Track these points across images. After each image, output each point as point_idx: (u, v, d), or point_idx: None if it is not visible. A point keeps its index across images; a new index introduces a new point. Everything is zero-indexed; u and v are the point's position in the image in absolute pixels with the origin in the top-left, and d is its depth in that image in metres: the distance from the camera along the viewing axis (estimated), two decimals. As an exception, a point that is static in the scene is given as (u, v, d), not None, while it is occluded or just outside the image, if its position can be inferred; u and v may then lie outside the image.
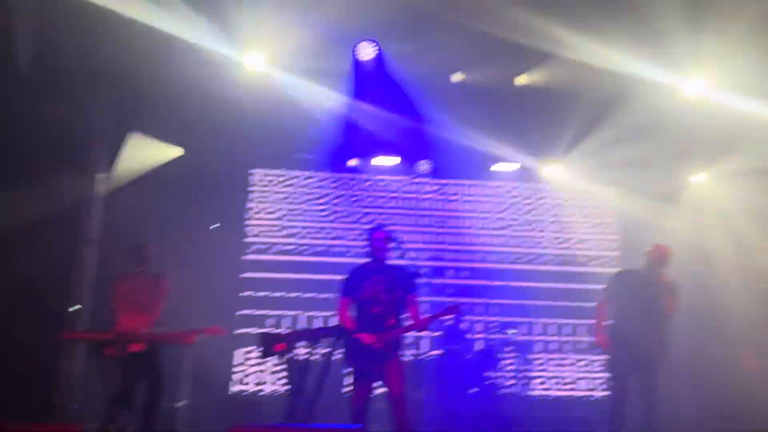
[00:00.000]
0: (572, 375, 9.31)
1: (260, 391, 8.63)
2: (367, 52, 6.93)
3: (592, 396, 9.03)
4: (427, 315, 4.88)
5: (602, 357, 5.55)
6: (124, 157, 7.89)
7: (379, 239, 4.93)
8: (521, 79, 7.97)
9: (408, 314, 4.93)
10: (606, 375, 5.58)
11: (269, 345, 4.20)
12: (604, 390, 5.96)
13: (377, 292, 4.83)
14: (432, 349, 8.50)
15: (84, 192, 7.29)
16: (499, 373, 8.12)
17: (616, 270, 5.93)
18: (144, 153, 8.18)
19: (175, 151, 8.65)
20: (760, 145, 7.61)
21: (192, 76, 6.96)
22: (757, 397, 6.83)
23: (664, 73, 7.11)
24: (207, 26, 6.33)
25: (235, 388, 8.60)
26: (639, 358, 5.21)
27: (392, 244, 4.89)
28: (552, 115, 8.31)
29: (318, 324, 8.69)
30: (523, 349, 8.22)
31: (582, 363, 9.34)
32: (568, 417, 7.46)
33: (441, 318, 4.94)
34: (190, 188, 8.53)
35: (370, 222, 9.27)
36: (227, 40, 6.55)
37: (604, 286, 5.64)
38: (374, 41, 6.88)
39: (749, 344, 7.14)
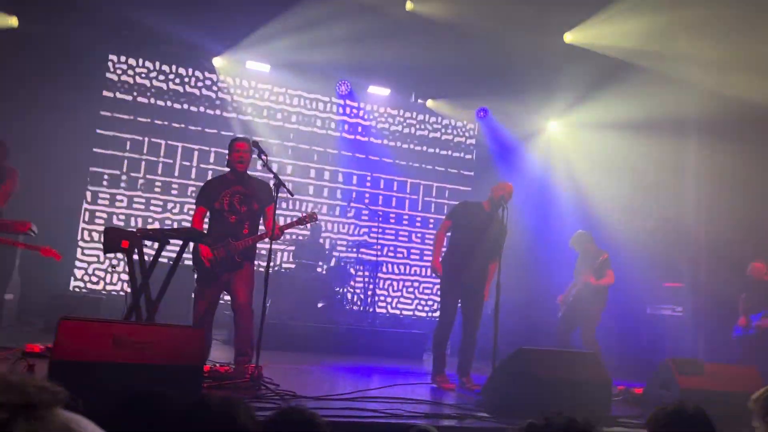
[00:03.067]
0: (413, 295, 9.91)
1: (102, 289, 8.32)
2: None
3: (428, 315, 9.71)
4: (279, 225, 4.83)
5: (438, 280, 5.87)
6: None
7: (239, 150, 4.81)
8: (410, 6, 7.97)
9: (263, 226, 4.92)
10: (439, 297, 5.97)
11: (114, 240, 4.01)
12: (436, 310, 6.46)
13: (234, 202, 4.79)
14: (286, 261, 8.60)
15: None
16: (348, 289, 8.43)
17: (460, 202, 6.20)
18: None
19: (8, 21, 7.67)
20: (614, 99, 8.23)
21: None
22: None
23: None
24: None
25: (75, 284, 8.21)
26: (468, 284, 5.61)
27: (254, 155, 4.79)
28: (427, 47, 8.41)
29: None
30: (375, 268, 8.56)
31: (421, 284, 9.96)
32: (404, 333, 7.94)
33: (296, 226, 4.97)
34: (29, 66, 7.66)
35: (229, 127, 9.00)
36: None
37: (446, 214, 5.94)
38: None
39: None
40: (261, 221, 4.94)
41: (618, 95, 8.18)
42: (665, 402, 4.66)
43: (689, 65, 7.48)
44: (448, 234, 5.85)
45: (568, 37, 8.32)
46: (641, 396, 5.24)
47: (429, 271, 9.83)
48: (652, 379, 5.16)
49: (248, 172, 4.95)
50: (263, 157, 4.68)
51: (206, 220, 4.88)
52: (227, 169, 4.92)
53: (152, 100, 8.82)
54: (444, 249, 5.85)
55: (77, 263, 8.33)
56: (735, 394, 4.60)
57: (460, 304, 5.68)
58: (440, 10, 8.02)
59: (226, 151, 4.92)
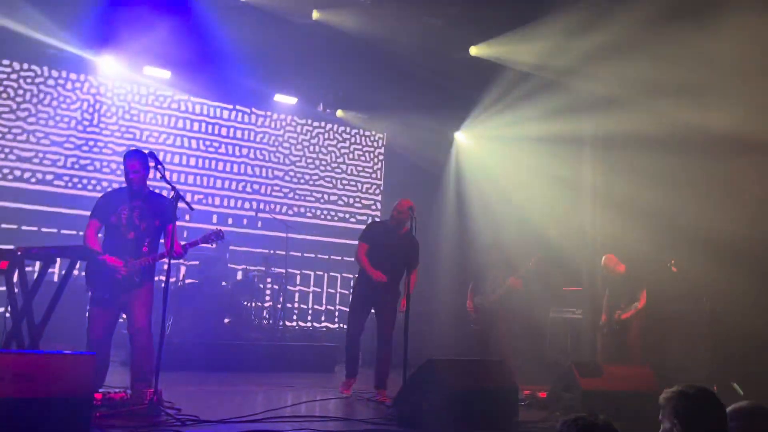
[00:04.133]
0: (323, 307, 9.78)
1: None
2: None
3: (340, 328, 9.61)
4: (185, 242, 4.66)
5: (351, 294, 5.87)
6: None
7: (135, 164, 4.53)
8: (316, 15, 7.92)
9: (164, 243, 4.65)
10: (348, 310, 6.04)
11: (-11, 261, 3.65)
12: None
13: (133, 217, 4.50)
14: (188, 277, 8.23)
15: None
16: (256, 303, 8.19)
17: (370, 222, 6.31)
18: None
19: None
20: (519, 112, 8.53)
21: None
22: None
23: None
24: None
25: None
26: (380, 299, 5.68)
27: (151, 167, 4.53)
28: (334, 57, 8.40)
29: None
30: (284, 280, 8.37)
31: (331, 296, 9.86)
32: (315, 346, 7.82)
33: (200, 245, 4.76)
34: None
35: (127, 139, 8.56)
36: None
37: (360, 237, 6.00)
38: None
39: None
40: (161, 238, 4.68)
41: (522, 108, 8.50)
42: (568, 407, 4.85)
43: (588, 82, 7.88)
44: None
45: (474, 51, 8.53)
46: (545, 399, 5.39)
47: (339, 283, 9.78)
48: (555, 382, 5.32)
49: (149, 187, 4.66)
50: (160, 168, 4.44)
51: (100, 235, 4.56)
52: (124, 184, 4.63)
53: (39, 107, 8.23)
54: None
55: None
56: (633, 393, 4.85)
57: (375, 317, 5.79)
58: (347, 21, 8.00)
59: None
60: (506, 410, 4.61)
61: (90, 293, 4.43)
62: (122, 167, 4.65)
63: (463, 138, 10.30)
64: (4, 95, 8.04)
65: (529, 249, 7.57)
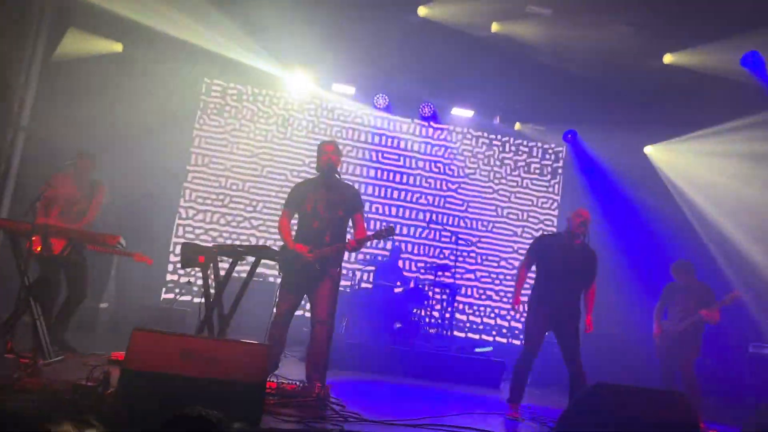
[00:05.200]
0: (495, 321, 9.64)
1: (190, 301, 8.66)
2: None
3: (509, 342, 9.41)
4: (365, 236, 4.71)
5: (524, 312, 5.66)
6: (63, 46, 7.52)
7: (327, 152, 4.76)
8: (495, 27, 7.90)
9: (349, 233, 4.83)
10: (524, 327, 5.77)
11: (191, 255, 4.16)
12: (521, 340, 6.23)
13: (318, 207, 4.71)
14: (363, 281, 8.62)
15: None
16: (425, 311, 8.33)
17: (539, 235, 6.06)
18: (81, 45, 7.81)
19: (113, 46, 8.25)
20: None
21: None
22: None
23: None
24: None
25: (167, 296, 8.60)
26: (556, 316, 5.39)
27: (340, 160, 4.81)
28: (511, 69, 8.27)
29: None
30: (453, 291, 8.42)
31: (504, 312, 9.67)
32: (481, 360, 7.73)
33: (377, 238, 4.82)
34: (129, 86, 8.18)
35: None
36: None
37: (527, 250, 5.79)
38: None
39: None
40: (344, 229, 4.82)
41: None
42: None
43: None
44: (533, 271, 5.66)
45: (668, 59, 7.90)
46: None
47: (509, 296, 9.58)
48: (748, 423, 4.73)
49: (337, 177, 4.82)
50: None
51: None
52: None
53: (243, 122, 9.21)
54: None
55: (168, 276, 8.73)
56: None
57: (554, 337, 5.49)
58: (527, 31, 7.86)
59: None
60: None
61: (280, 277, 4.74)
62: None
63: (656, 152, 9.58)
64: (215, 110, 9.13)
65: (731, 278, 6.83)
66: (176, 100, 8.49)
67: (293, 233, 4.80)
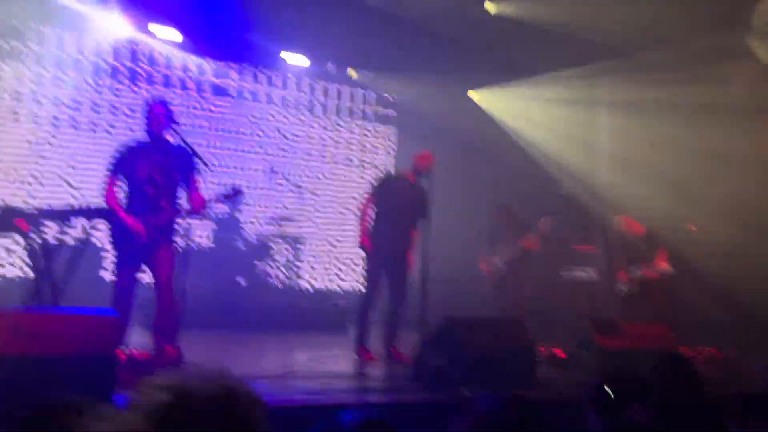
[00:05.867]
0: (334, 267, 9.76)
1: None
2: None
3: (351, 288, 9.62)
4: (204, 198, 4.52)
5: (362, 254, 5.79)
6: None
7: (158, 115, 4.41)
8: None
9: (185, 197, 4.56)
10: (363, 269, 5.92)
11: (7, 219, 3.62)
12: (361, 282, 6.44)
13: (153, 172, 4.38)
14: (203, 237, 8.22)
15: None
16: (269, 263, 8.19)
17: (381, 175, 6.20)
18: None
19: None
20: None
21: None
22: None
23: None
24: None
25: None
26: (390, 254, 5.59)
27: (172, 122, 4.44)
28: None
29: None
30: (295, 241, 8.37)
31: (344, 256, 9.83)
32: (326, 307, 7.85)
33: (218, 202, 4.69)
34: None
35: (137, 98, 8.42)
36: None
37: (368, 189, 5.91)
38: None
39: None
40: (180, 194, 4.56)
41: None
42: (585, 365, 4.86)
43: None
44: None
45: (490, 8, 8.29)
46: (563, 358, 5.40)
47: (354, 242, 9.75)
48: (572, 341, 5.33)
49: (167, 138, 4.51)
50: (173, 125, 4.36)
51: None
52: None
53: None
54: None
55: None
56: (651, 351, 4.84)
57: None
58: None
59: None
60: (524, 368, 4.62)
61: (114, 251, 4.39)
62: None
63: (477, 97, 10.13)
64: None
65: (542, 209, 7.53)
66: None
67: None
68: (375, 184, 5.88)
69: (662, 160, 7.56)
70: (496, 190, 8.48)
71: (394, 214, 5.60)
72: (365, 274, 5.77)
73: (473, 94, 10.13)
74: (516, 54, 8.53)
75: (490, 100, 10.01)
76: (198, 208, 4.45)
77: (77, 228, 4.49)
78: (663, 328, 5.34)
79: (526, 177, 8.62)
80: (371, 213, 5.74)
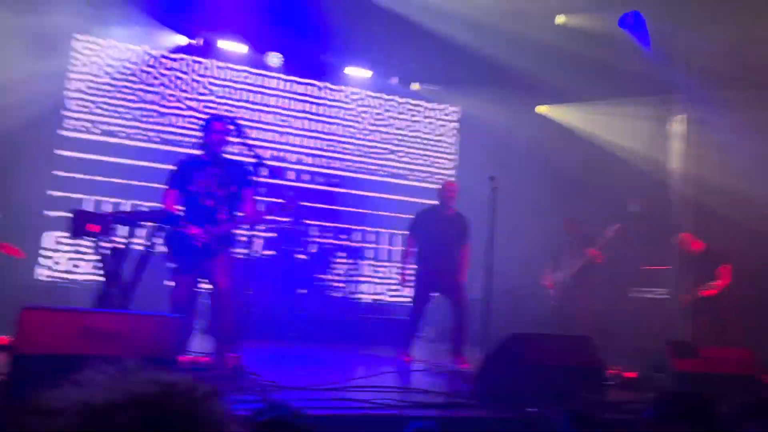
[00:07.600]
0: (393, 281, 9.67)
1: (72, 277, 7.92)
2: None
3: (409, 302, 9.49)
4: (260, 211, 4.66)
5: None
6: None
7: (217, 131, 4.54)
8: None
9: (242, 210, 4.67)
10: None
11: (81, 223, 3.73)
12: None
13: (210, 185, 4.50)
14: (264, 249, 8.31)
15: None
16: (330, 277, 8.20)
17: (417, 211, 6.36)
18: None
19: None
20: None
21: None
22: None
23: None
24: None
25: (42, 273, 7.81)
26: (439, 280, 5.98)
27: (231, 137, 4.56)
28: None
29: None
30: (356, 255, 8.35)
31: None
32: (388, 320, 7.77)
33: (275, 215, 4.78)
34: None
35: (207, 111, 8.63)
36: None
37: (408, 227, 6.30)
38: None
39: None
40: (239, 206, 4.68)
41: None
42: (660, 388, 4.59)
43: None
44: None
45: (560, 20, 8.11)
46: (634, 380, 5.13)
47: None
48: (646, 363, 5.06)
49: (224, 154, 4.67)
50: (242, 138, 4.44)
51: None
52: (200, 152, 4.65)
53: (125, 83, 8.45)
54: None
55: (41, 251, 7.88)
56: (731, 376, 4.54)
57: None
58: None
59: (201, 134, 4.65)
60: (592, 388, 4.40)
61: (172, 261, 4.47)
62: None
63: (547, 113, 9.91)
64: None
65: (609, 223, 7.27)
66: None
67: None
68: (412, 220, 6.31)
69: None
70: (561, 206, 8.23)
71: (434, 243, 6.01)
72: (413, 297, 6.20)
73: (541, 109, 9.91)
74: (586, 72, 8.24)
75: (558, 113, 9.78)
76: (255, 220, 4.52)
77: (144, 235, 4.61)
78: (744, 351, 4.99)
79: (594, 193, 8.34)
80: (412, 250, 6.17)
